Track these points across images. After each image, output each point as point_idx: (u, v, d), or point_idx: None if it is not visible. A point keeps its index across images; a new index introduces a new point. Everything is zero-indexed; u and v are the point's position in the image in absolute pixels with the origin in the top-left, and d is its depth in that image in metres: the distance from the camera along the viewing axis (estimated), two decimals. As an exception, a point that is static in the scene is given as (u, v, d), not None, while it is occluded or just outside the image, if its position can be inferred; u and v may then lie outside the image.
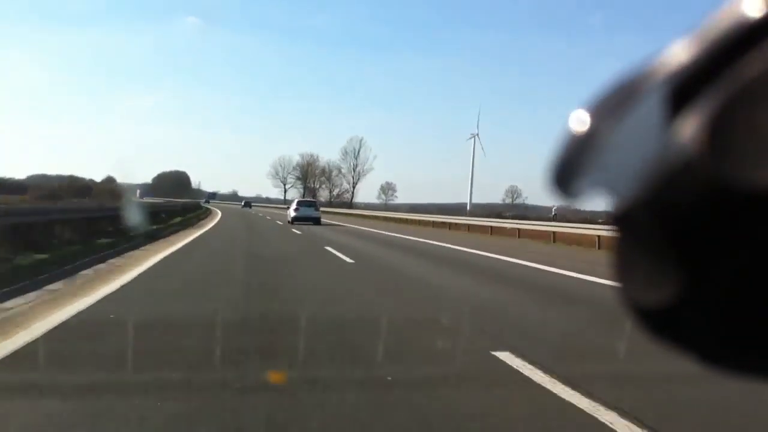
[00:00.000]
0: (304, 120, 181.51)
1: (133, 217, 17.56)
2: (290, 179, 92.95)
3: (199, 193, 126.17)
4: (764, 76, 0.30)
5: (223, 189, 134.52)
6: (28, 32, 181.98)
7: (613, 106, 0.37)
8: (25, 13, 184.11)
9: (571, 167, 0.39)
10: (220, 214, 42.18)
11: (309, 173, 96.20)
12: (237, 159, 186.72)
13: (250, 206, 76.79)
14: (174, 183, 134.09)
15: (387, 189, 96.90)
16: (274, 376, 3.71)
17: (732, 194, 0.30)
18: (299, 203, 33.76)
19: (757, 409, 3.32)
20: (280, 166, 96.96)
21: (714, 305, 0.33)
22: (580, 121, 0.39)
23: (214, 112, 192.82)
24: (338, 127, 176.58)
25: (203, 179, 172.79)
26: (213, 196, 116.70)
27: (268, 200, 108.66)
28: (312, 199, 46.46)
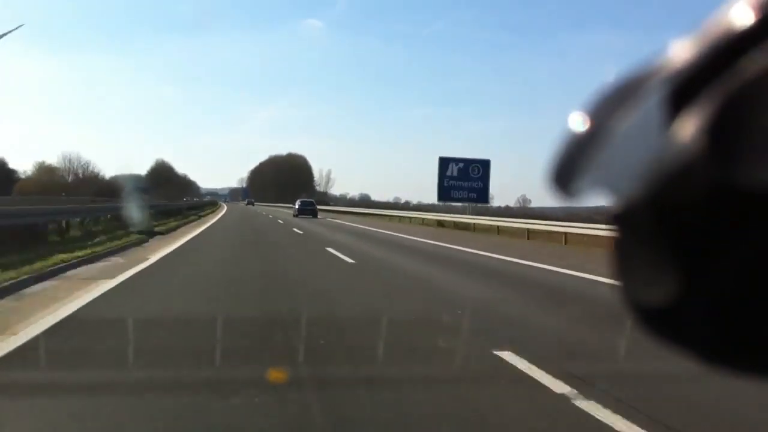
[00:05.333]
0: (426, 125, 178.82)
1: None
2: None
3: (320, 193, 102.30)
4: (763, 77, 0.31)
5: (352, 192, 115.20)
6: (153, 44, 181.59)
7: (614, 106, 0.37)
8: (151, 25, 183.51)
9: (571, 167, 0.39)
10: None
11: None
12: (367, 162, 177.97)
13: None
14: (284, 171, 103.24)
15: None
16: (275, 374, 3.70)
17: (732, 194, 0.31)
18: None
19: (757, 408, 3.32)
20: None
21: (714, 304, 0.34)
22: (580, 121, 0.39)
23: (337, 115, 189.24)
24: (462, 132, 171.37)
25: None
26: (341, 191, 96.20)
27: (397, 203, 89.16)
28: None
